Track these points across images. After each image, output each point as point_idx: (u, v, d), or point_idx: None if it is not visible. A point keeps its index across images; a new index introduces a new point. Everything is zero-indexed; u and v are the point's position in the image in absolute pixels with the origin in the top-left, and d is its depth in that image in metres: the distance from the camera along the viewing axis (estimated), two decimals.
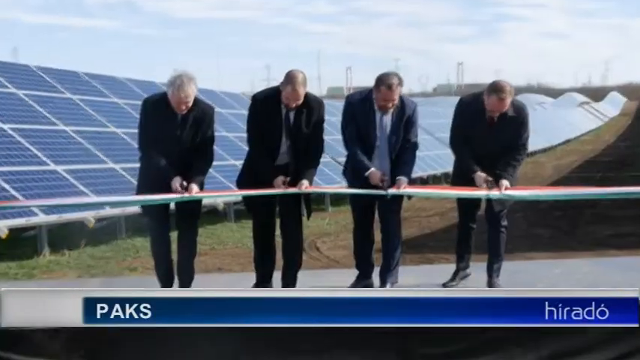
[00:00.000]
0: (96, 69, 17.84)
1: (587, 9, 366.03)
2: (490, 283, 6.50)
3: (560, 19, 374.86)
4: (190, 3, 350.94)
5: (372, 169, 6.24)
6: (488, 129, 6.39)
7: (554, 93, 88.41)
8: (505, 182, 6.27)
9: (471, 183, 6.40)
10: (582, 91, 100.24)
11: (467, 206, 6.71)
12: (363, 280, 6.51)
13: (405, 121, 6.35)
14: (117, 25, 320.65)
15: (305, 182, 6.16)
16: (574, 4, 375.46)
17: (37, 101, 13.53)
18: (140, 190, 6.31)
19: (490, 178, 6.28)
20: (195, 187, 6.01)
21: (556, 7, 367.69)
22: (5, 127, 12.08)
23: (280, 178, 6.11)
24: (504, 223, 6.61)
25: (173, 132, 6.05)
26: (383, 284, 6.34)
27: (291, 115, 6.21)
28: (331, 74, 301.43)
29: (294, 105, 6.16)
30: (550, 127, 44.92)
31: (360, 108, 6.34)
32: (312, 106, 6.25)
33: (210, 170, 6.44)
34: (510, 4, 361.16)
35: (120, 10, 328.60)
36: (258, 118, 6.25)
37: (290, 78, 6.09)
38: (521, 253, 10.24)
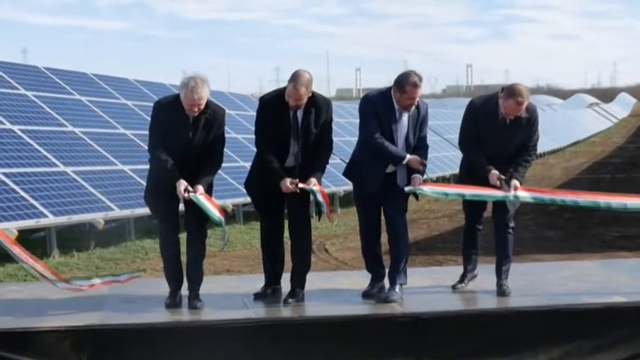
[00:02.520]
0: (106, 70, 17.81)
1: (596, 10, 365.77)
2: (499, 285, 6.48)
3: (569, 20, 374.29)
4: (200, 5, 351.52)
5: (409, 156, 6.27)
6: (501, 131, 6.40)
7: (563, 94, 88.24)
8: (516, 182, 6.33)
9: (478, 183, 6.41)
10: (591, 92, 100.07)
11: (473, 208, 6.70)
12: (377, 283, 6.50)
13: (421, 120, 6.40)
14: (127, 26, 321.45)
15: (313, 180, 6.15)
16: (583, 6, 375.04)
17: (46, 103, 13.56)
18: (148, 192, 6.32)
19: (504, 177, 6.30)
20: (200, 188, 6.01)
21: (565, 9, 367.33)
22: (15, 128, 12.11)
23: (288, 180, 6.10)
24: (512, 224, 6.60)
25: (185, 134, 6.03)
26: (392, 285, 6.32)
27: (299, 115, 6.18)
28: (340, 76, 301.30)
29: (294, 104, 6.11)
30: (559, 129, 44.79)
31: (383, 107, 6.34)
32: (319, 106, 6.22)
33: (220, 172, 6.44)
34: (519, 6, 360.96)
35: (130, 11, 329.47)
36: (266, 120, 6.22)
37: (294, 77, 6.07)
38: (530, 254, 10.23)
